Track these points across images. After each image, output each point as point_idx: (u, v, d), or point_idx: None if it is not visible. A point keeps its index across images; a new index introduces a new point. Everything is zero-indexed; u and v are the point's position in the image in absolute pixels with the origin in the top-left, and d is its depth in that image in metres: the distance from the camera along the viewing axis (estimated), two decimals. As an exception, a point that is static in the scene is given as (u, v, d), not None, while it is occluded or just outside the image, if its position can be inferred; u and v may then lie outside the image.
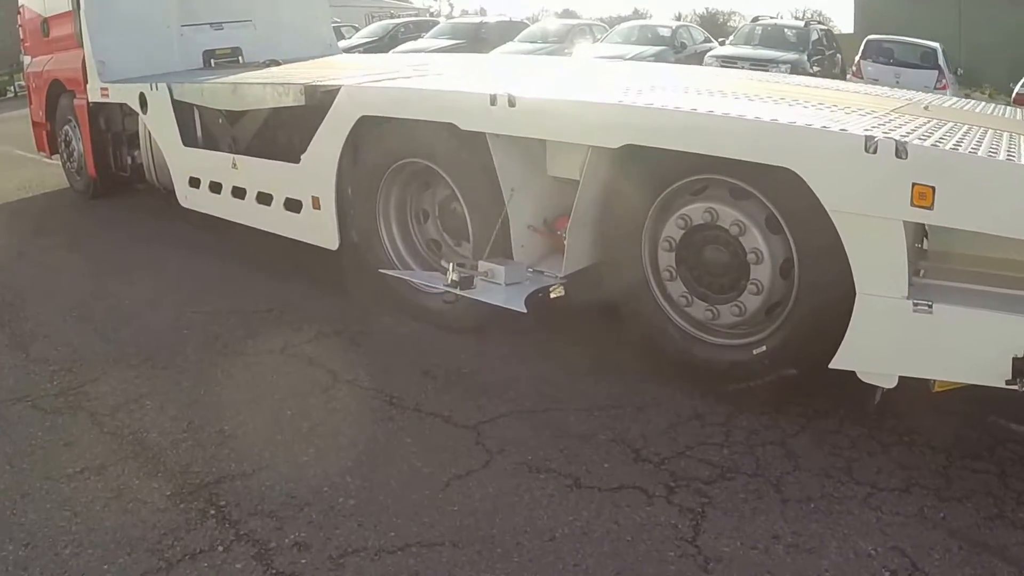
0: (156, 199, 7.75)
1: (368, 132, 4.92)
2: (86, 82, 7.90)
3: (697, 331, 4.04)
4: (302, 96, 5.18)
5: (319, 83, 5.22)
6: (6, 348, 4.96)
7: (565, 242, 4.25)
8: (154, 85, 6.81)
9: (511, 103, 4.11)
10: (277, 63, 7.46)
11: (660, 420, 3.87)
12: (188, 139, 6.62)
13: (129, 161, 7.94)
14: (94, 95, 7.81)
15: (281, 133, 5.79)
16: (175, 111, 6.60)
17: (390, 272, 4.90)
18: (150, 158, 7.41)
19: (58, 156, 9.42)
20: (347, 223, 5.27)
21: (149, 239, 7.25)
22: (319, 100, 5.17)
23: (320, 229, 5.37)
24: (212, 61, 8.07)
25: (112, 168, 8.29)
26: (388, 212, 5.09)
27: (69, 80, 8.50)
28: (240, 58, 8.21)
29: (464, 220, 4.73)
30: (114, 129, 8.16)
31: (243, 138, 6.17)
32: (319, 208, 5.28)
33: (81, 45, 7.91)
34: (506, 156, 4.33)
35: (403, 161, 4.83)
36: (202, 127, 6.62)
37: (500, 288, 4.21)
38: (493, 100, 4.17)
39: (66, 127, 8.85)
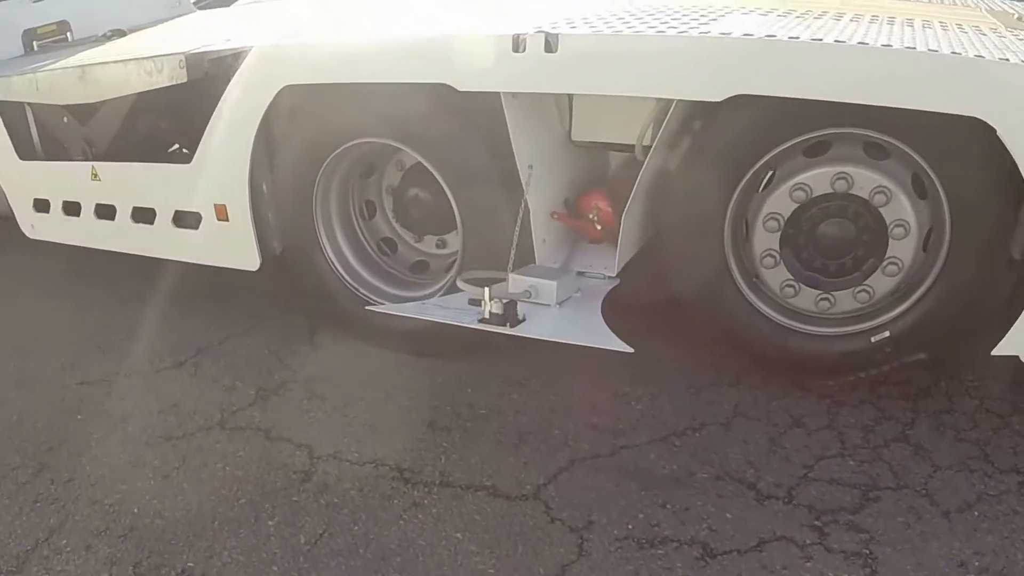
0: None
1: (295, 108, 3.69)
2: None
3: (795, 322, 3.26)
4: (183, 70, 3.83)
5: (207, 49, 3.89)
6: None
7: (596, 227, 3.24)
8: (-33, 87, 5.26)
9: (549, 47, 2.97)
10: (122, 32, 5.99)
11: (758, 435, 3.09)
12: (24, 150, 5.13)
13: (-53, 188, 6.31)
14: None
15: (156, 125, 4.46)
16: (2, 116, 5.09)
17: (388, 309, 3.65)
18: (-26, 180, 5.83)
19: None
20: (267, 233, 4.01)
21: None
22: (210, 73, 3.86)
23: (231, 246, 4.10)
24: (35, 43, 6.49)
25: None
26: (328, 210, 3.90)
27: None
28: (69, 34, 6.64)
29: (443, 212, 3.65)
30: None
31: (102, 139, 4.76)
32: (226, 219, 4.01)
33: None
34: (524, 122, 3.23)
35: (353, 143, 3.61)
36: (42, 132, 5.15)
37: (554, 313, 3.13)
38: (519, 44, 3.02)
39: None
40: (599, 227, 3.39)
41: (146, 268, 4.69)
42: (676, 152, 3.17)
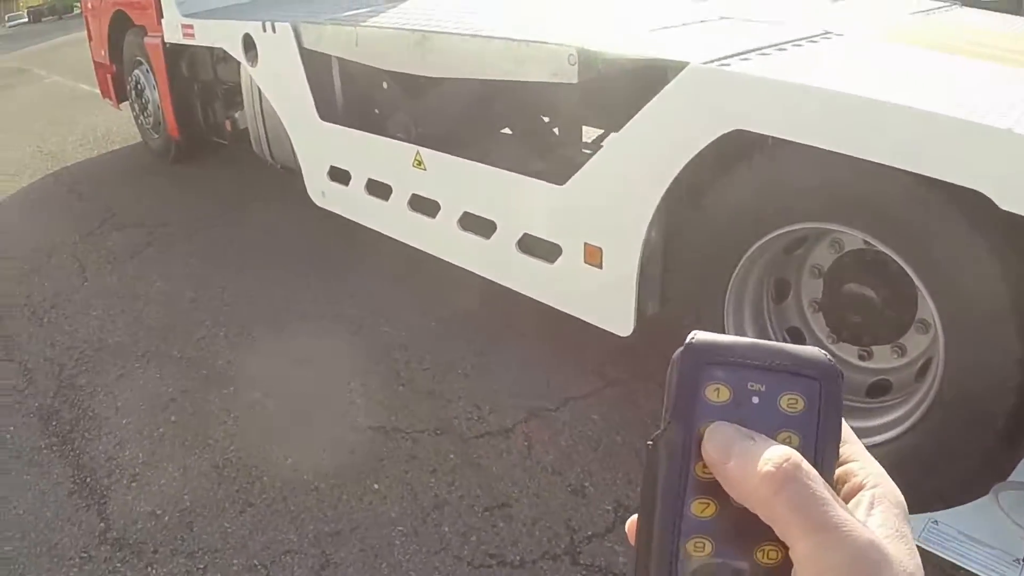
0: (267, 170, 5.53)
1: (744, 161, 2.64)
2: (160, 15, 5.64)
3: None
4: (572, 67, 2.84)
5: (612, 51, 2.86)
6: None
7: None
8: (269, 25, 4.51)
9: None
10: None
11: None
12: (326, 110, 4.37)
13: (228, 125, 5.70)
14: (172, 34, 5.56)
15: (515, 124, 3.51)
16: (306, 67, 4.32)
17: None
18: (260, 125, 5.17)
19: (128, 105, 7.21)
20: (645, 290, 3.02)
21: (268, 244, 5.09)
22: (617, 82, 2.88)
23: (598, 299, 3.17)
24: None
25: (201, 129, 6.12)
26: (743, 290, 2.86)
27: (136, 12, 6.24)
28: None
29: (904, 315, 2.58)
30: (203, 78, 5.93)
31: (433, 122, 3.89)
32: (598, 265, 3.06)
33: (151, -38, 5.64)
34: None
35: (815, 226, 2.55)
36: (348, 94, 4.36)
37: None
38: None
39: (136, 71, 6.62)
40: None
41: (460, 279, 3.83)
42: None
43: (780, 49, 2.82)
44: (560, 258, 3.20)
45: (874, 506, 0.45)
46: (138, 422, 3.49)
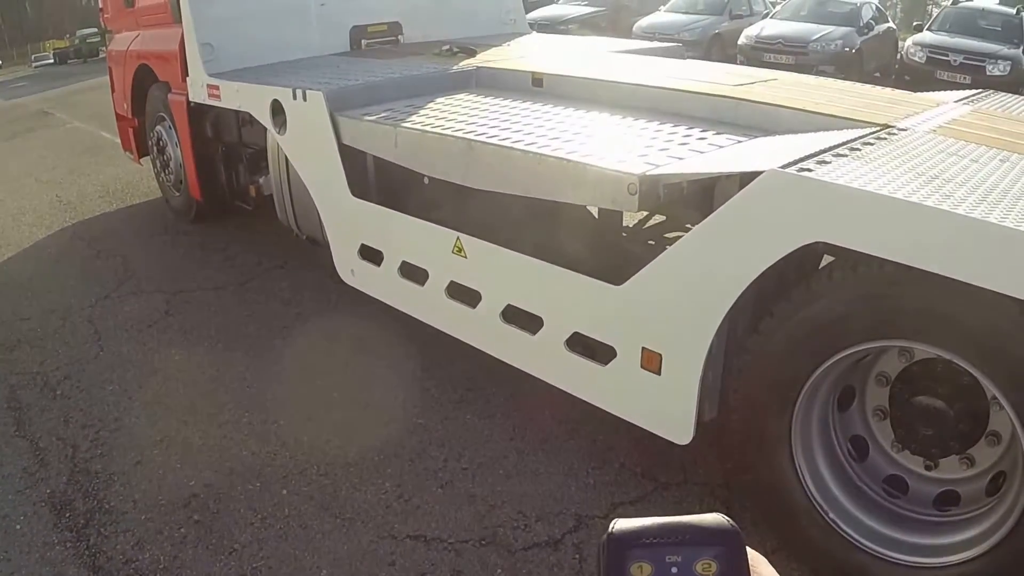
0: (291, 238, 5.37)
1: (820, 275, 2.48)
2: (186, 73, 5.52)
3: None
4: (632, 197, 2.65)
5: (676, 173, 2.67)
6: None
7: None
8: (299, 93, 4.36)
9: None
10: (471, 51, 5.04)
11: None
12: (359, 187, 4.22)
13: (252, 191, 5.56)
14: (197, 93, 5.44)
15: (573, 224, 3.35)
16: (340, 143, 4.16)
17: None
18: (286, 194, 5.01)
19: (149, 160, 7.09)
20: (703, 394, 2.82)
21: (291, 319, 4.90)
22: (668, 201, 2.73)
23: (654, 406, 2.97)
24: (363, 42, 5.68)
25: (224, 192, 5.98)
26: (813, 400, 2.69)
27: (161, 67, 6.13)
28: (400, 37, 5.82)
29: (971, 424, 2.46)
30: (227, 139, 5.80)
31: (477, 213, 3.72)
32: (656, 371, 2.88)
33: (178, 20, 5.51)
34: None
35: (896, 344, 2.41)
36: (387, 174, 4.20)
37: None
38: None
39: (159, 127, 6.49)
40: None
41: (499, 371, 3.64)
42: None
43: (853, 149, 2.66)
44: (614, 361, 3.01)
45: None
46: (158, 519, 3.28)
